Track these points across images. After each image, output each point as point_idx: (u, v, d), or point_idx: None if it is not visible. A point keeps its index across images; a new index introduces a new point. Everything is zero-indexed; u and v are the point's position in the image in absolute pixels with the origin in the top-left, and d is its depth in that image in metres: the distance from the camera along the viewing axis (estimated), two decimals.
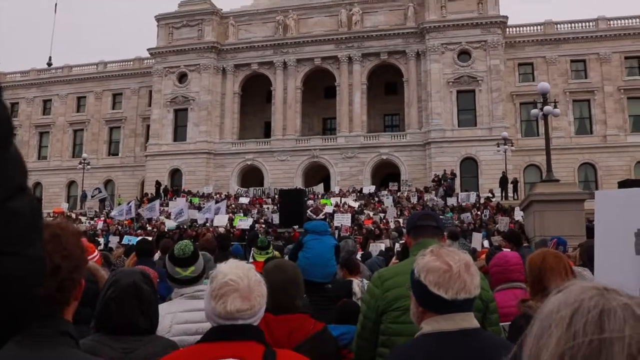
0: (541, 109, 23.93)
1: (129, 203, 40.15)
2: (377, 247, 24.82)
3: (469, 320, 2.50)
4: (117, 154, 62.94)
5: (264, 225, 31.84)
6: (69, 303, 1.94)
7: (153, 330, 3.04)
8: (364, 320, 3.66)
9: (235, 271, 2.58)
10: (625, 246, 2.56)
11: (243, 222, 32.21)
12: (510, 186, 43.93)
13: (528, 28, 54.60)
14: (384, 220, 32.29)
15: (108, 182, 60.31)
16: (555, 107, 25.90)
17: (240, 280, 2.54)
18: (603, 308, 0.93)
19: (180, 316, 3.79)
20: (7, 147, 0.95)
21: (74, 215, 43.90)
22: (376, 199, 40.85)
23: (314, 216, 28.68)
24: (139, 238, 15.19)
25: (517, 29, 54.39)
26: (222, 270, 2.61)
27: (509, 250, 8.41)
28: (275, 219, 32.29)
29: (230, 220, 33.33)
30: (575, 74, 52.74)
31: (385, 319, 3.52)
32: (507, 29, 52.94)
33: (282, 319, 3.41)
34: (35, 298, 1.00)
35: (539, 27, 54.23)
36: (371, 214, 34.69)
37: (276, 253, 9.71)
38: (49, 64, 70.43)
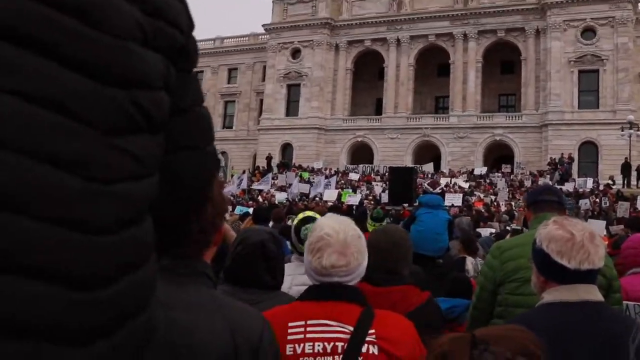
0: None
1: (240, 176, 41.50)
2: (485, 232, 24.25)
3: (592, 293, 2.44)
4: (231, 127, 65.02)
5: (372, 202, 31.92)
6: (209, 245, 2.07)
7: (278, 286, 3.17)
8: (480, 291, 3.66)
9: (333, 225, 2.49)
10: None
11: (352, 198, 32.44)
12: (634, 173, 41.39)
13: None
14: (495, 203, 31.48)
15: (222, 154, 62.43)
16: None
17: (336, 234, 2.45)
18: None
19: (298, 278, 3.89)
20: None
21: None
22: (487, 180, 39.85)
23: (431, 189, 28.35)
24: (256, 207, 15.70)
25: None
26: (320, 223, 2.56)
27: None
28: (384, 196, 32.25)
29: (339, 195, 33.68)
30: None
31: (503, 290, 3.51)
32: (639, 4, 49.46)
33: (382, 291, 3.16)
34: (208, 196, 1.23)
35: None
36: (482, 195, 33.92)
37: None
38: None
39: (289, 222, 9.96)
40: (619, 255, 5.21)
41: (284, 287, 3.56)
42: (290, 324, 2.42)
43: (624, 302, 4.04)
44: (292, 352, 2.38)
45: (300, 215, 4.30)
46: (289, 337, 2.40)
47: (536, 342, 1.54)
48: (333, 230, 2.47)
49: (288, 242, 5.24)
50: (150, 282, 0.94)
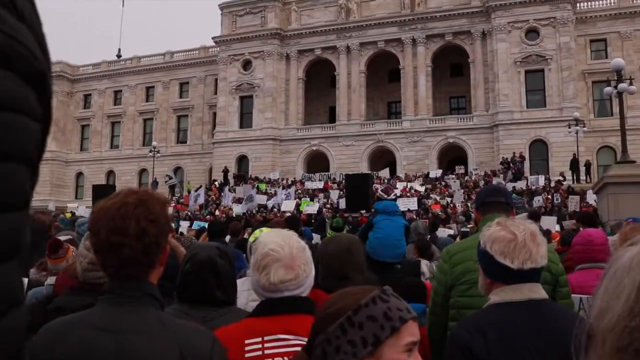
0: (615, 87, 23.03)
1: (197, 190, 41.10)
2: (444, 233, 24.62)
3: (537, 291, 2.49)
4: (186, 142, 64.42)
5: (330, 210, 32.02)
6: (154, 266, 2.04)
7: (231, 302, 3.13)
8: (435, 296, 3.71)
9: (276, 240, 2.48)
10: None
11: (310, 207, 32.48)
12: (582, 169, 42.53)
13: (600, 2, 52.16)
14: (451, 205, 31.92)
15: (177, 170, 61.80)
16: (630, 84, 24.88)
17: (281, 249, 2.43)
18: None
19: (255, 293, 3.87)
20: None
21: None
22: (443, 183, 40.38)
23: (385, 196, 28.57)
24: (211, 221, 15.54)
25: (589, 3, 52.15)
26: (263, 240, 2.53)
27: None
28: (342, 203, 32.38)
29: (297, 205, 33.67)
30: None
31: (454, 293, 3.55)
32: (578, 4, 50.94)
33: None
34: None
35: (612, 1, 51.79)
36: (438, 198, 34.35)
37: None
38: (119, 56, 72.74)
39: (247, 236, 9.88)
40: (569, 251, 5.30)
41: (241, 303, 3.51)
42: (247, 342, 2.38)
43: (579, 295, 4.11)
44: None
45: (257, 233, 4.27)
46: (247, 355, 2.36)
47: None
48: (277, 245, 2.45)
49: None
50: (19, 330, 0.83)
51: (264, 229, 4.40)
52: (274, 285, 2.40)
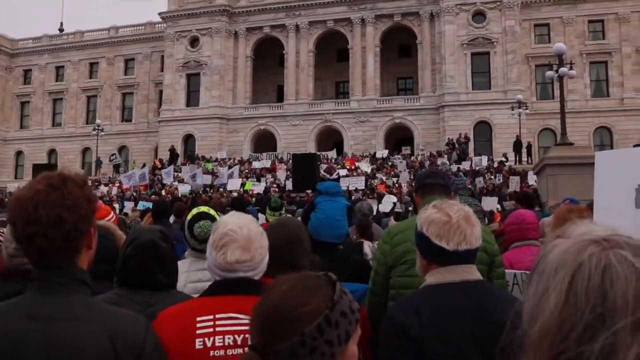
0: (556, 71, 23.61)
1: (142, 167, 40.39)
2: (389, 199, 25.34)
3: (471, 272, 2.56)
4: (131, 120, 63.08)
5: (277, 190, 31.97)
6: (79, 251, 1.98)
7: (172, 285, 3.11)
8: (375, 275, 3.76)
9: (236, 221, 2.55)
10: (625, 201, 2.61)
11: (256, 187, 32.35)
12: (524, 150, 43.62)
13: None
14: (397, 185, 32.32)
15: (122, 149, 60.54)
16: (571, 69, 25.56)
17: (240, 229, 2.51)
18: (604, 269, 0.88)
19: (193, 275, 3.83)
20: None
21: (89, 182, 44.24)
22: (389, 163, 40.80)
23: (328, 175, 28.73)
24: (155, 201, 15.31)
25: None
26: (224, 220, 2.60)
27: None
28: (289, 184, 32.37)
29: (242, 184, 33.50)
30: (593, 34, 51.83)
31: (394, 273, 3.61)
32: None
33: None
34: None
35: None
36: (384, 178, 34.70)
37: (288, 215, 9.79)
38: (61, 30, 70.32)
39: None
40: (503, 231, 5.48)
41: (179, 286, 3.49)
42: (198, 319, 2.44)
43: (512, 271, 4.25)
44: (202, 346, 2.40)
45: (194, 211, 4.22)
46: (198, 332, 2.42)
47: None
48: (237, 226, 2.51)
49: None
50: None
51: (202, 208, 4.36)
52: (230, 264, 2.46)
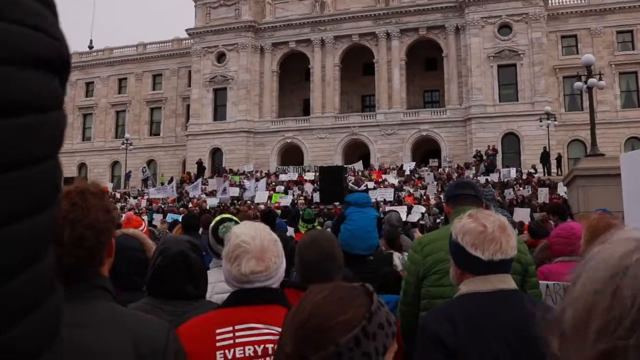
0: (585, 82, 23.39)
1: (170, 182, 40.79)
2: (418, 209, 25.34)
3: (506, 282, 2.54)
4: (159, 134, 63.83)
5: (304, 203, 32.01)
6: (102, 262, 2.00)
7: (202, 295, 3.11)
8: (406, 286, 3.75)
9: (248, 232, 2.53)
10: None
11: (282, 200, 32.44)
12: (553, 162, 43.12)
13: None
14: (425, 197, 32.16)
15: (150, 162, 61.21)
16: (600, 79, 25.29)
17: (253, 240, 2.49)
18: None
19: (219, 286, 3.78)
20: None
21: (118, 195, 44.84)
22: (416, 175, 40.63)
23: (356, 187, 28.73)
24: (185, 214, 15.41)
25: (560, 0, 52.93)
26: (235, 231, 2.57)
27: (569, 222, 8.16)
28: (316, 197, 32.41)
29: (270, 197, 33.62)
30: (622, 45, 51.18)
31: (425, 283, 3.60)
32: (550, 1, 51.61)
33: None
34: None
35: None
36: (411, 190, 34.56)
37: (319, 228, 9.80)
38: (90, 47, 71.62)
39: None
40: (549, 243, 5.27)
41: (206, 296, 3.50)
42: (218, 331, 2.43)
43: (545, 282, 4.18)
44: (223, 358, 2.39)
45: (217, 218, 4.25)
46: (218, 344, 2.40)
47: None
48: (249, 237, 2.49)
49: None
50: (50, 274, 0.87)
51: (225, 215, 4.39)
52: (245, 276, 2.44)
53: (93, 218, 1.89)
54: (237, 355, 2.39)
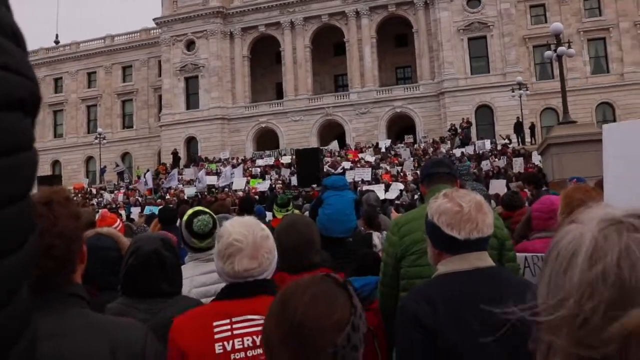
0: (555, 51, 23.52)
1: (145, 174, 40.45)
2: (396, 187, 25.52)
3: (483, 259, 2.53)
4: (132, 127, 63.15)
5: (282, 187, 31.93)
6: (74, 270, 1.96)
7: (177, 292, 3.08)
8: (385, 267, 3.74)
9: (239, 229, 2.53)
10: (638, 174, 2.56)
11: (260, 185, 32.35)
12: (527, 131, 43.48)
13: None
14: (402, 173, 32.26)
15: (125, 155, 60.68)
16: (569, 47, 25.43)
17: (245, 238, 2.49)
18: (622, 253, 0.84)
19: (197, 279, 3.74)
20: None
21: (94, 190, 44.36)
22: (392, 152, 40.72)
23: (332, 170, 28.73)
24: (161, 207, 15.27)
25: None
26: (227, 229, 2.56)
27: (527, 192, 8.28)
28: (293, 180, 32.33)
29: (248, 183, 33.49)
30: (589, 12, 51.60)
31: (404, 264, 3.59)
32: None
33: (299, 277, 3.18)
34: None
35: None
36: (388, 167, 34.64)
37: (295, 212, 9.74)
38: (57, 42, 70.32)
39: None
40: (528, 216, 5.18)
41: (183, 292, 3.46)
42: (215, 323, 2.47)
43: (523, 254, 4.20)
44: (222, 350, 2.43)
45: (190, 211, 4.18)
46: (216, 336, 2.45)
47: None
48: (241, 235, 2.50)
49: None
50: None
51: (196, 208, 4.33)
52: (238, 273, 2.48)
53: (62, 226, 1.86)
54: (236, 347, 2.45)
